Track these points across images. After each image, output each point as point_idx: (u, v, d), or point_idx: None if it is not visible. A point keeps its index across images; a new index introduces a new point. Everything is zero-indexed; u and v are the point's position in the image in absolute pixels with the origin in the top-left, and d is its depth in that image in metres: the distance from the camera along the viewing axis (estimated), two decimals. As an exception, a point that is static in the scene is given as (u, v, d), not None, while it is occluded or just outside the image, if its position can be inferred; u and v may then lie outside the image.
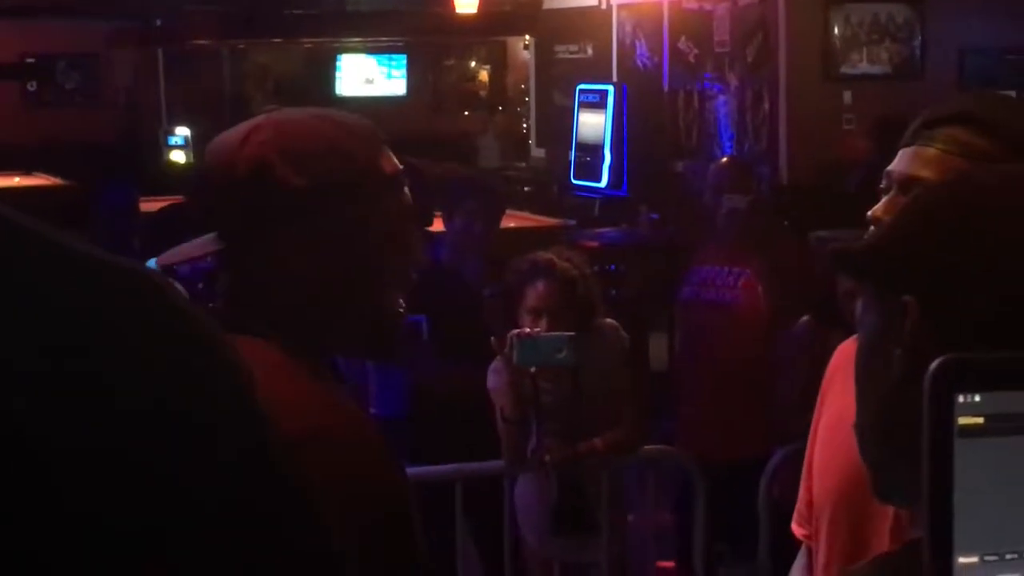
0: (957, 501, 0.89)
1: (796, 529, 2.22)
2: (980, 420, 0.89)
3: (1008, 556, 0.90)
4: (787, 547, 4.55)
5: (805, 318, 4.75)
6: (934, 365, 0.89)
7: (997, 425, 0.89)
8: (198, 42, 12.35)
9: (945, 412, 0.88)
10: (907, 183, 1.84)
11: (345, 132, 1.81)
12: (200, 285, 7.46)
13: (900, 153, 1.92)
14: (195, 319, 0.70)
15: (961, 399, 0.89)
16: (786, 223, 6.98)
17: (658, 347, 7.66)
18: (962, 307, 1.14)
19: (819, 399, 2.11)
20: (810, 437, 2.15)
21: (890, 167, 1.91)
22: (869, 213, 1.89)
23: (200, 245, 1.87)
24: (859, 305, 1.28)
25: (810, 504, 2.15)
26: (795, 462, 4.60)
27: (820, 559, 2.19)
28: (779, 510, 4.62)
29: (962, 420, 0.89)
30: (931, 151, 1.85)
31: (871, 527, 2.04)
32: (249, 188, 1.76)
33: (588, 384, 4.40)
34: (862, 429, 1.25)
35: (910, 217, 1.22)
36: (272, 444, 0.71)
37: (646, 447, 4.71)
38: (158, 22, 12.70)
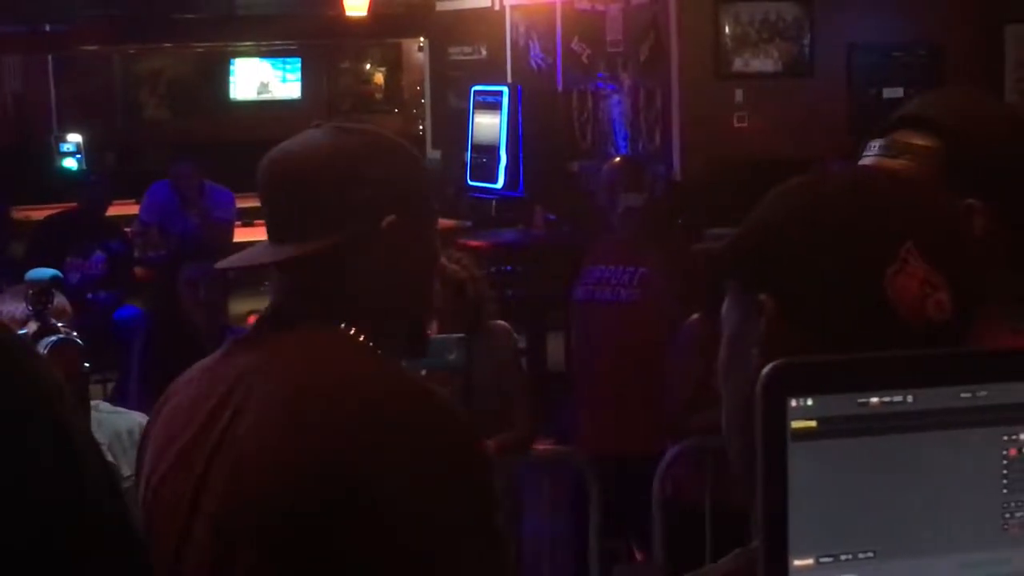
0: (792, 504, 0.89)
1: None
2: (813, 423, 0.89)
3: (843, 557, 0.91)
4: (682, 543, 4.59)
5: (696, 315, 4.77)
6: (766, 369, 0.89)
7: (830, 428, 0.90)
8: (88, 47, 12.18)
9: (778, 416, 0.89)
10: None
11: (402, 145, 1.94)
12: (89, 295, 7.37)
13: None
14: None
15: (794, 403, 0.89)
16: (680, 221, 7.03)
17: (555, 347, 7.68)
18: (812, 307, 1.14)
19: None
20: None
21: None
22: None
23: (260, 253, 1.92)
24: (725, 304, 1.29)
25: None
26: (688, 459, 4.65)
27: None
28: (673, 507, 4.65)
29: (795, 424, 0.89)
30: (882, 159, 1.85)
31: None
32: (338, 193, 1.83)
33: (480, 386, 4.40)
34: (726, 428, 1.26)
35: (765, 217, 1.23)
36: (71, 429, 0.73)
37: (540, 447, 4.72)
38: (47, 27, 12.49)
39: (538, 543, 4.90)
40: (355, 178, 1.84)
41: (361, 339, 1.82)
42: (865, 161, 1.86)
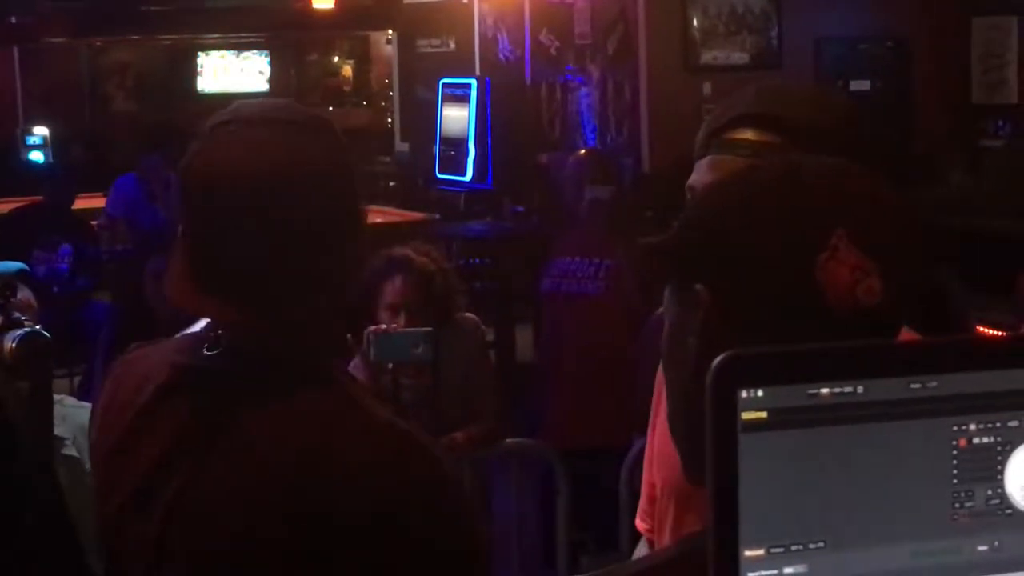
0: (742, 495, 0.90)
1: (639, 524, 2.20)
2: (763, 415, 0.90)
3: (794, 548, 0.91)
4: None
5: (661, 308, 4.78)
6: (717, 361, 0.89)
7: (780, 419, 0.90)
8: (55, 39, 12.11)
9: (729, 407, 0.89)
10: None
11: (332, 135, 1.74)
12: (55, 289, 7.34)
13: (697, 165, 1.91)
14: None
15: (744, 394, 0.89)
16: (648, 214, 7.04)
17: (524, 339, 7.68)
18: (745, 296, 1.15)
19: (656, 389, 2.11)
20: (649, 429, 2.14)
21: (691, 181, 1.90)
22: None
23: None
24: (666, 294, 1.31)
25: (652, 498, 2.13)
26: (655, 451, 4.67)
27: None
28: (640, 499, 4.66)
29: (745, 415, 0.90)
30: (728, 159, 1.84)
31: None
32: (287, 219, 1.66)
33: (448, 379, 4.39)
34: (670, 415, 1.27)
35: (701, 209, 1.25)
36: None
37: (509, 440, 4.72)
38: (13, 19, 12.43)
39: (506, 535, 4.91)
40: (296, 203, 1.70)
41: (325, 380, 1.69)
42: (705, 163, 1.86)
